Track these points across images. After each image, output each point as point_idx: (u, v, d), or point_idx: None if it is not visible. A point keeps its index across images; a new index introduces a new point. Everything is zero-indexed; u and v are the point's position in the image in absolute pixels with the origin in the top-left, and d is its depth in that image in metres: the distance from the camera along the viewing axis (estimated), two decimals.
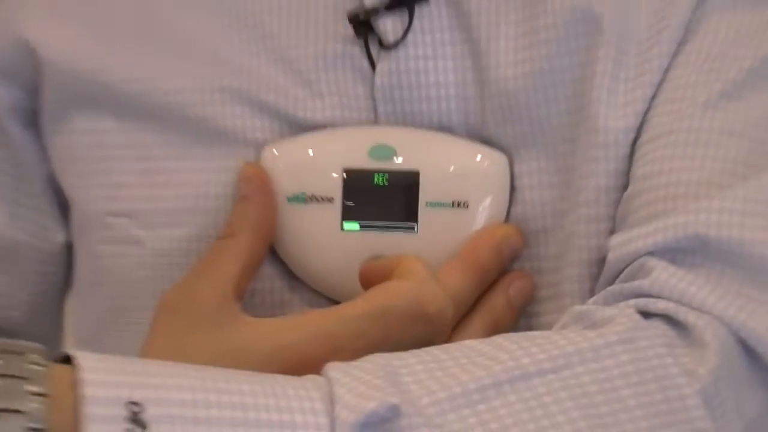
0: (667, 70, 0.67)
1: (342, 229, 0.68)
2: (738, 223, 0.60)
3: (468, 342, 0.58)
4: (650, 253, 0.62)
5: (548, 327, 0.66)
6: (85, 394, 0.48)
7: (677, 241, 0.61)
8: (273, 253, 0.69)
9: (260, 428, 0.51)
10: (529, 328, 0.68)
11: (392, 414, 0.52)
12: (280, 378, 0.54)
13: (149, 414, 0.48)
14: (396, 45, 0.68)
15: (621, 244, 0.63)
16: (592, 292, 0.65)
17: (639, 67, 0.67)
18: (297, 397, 0.52)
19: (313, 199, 0.68)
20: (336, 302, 0.66)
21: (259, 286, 0.69)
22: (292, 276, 0.70)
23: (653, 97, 0.66)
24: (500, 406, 0.54)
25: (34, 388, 0.48)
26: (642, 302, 0.60)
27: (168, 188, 0.70)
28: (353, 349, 0.61)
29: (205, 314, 0.64)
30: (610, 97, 0.66)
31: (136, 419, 0.48)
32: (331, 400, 0.52)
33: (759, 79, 0.65)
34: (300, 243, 0.69)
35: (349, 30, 0.68)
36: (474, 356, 0.56)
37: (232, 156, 0.69)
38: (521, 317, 0.68)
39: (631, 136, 0.66)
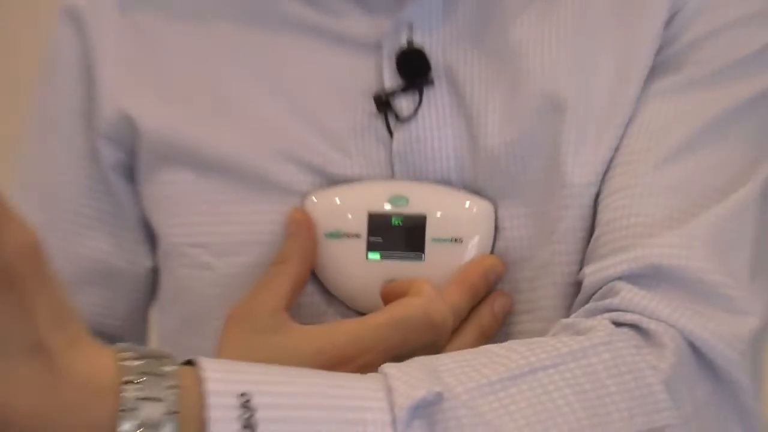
0: (621, 138, 0.70)
1: (367, 258, 0.71)
2: (684, 255, 0.64)
3: (488, 346, 0.62)
4: (618, 279, 0.65)
5: (523, 333, 0.71)
6: (207, 389, 0.53)
7: (638, 269, 0.65)
8: (314, 275, 0.72)
9: (337, 411, 0.54)
10: (508, 334, 0.71)
11: (437, 399, 0.56)
12: (347, 375, 0.58)
13: (256, 402, 0.53)
14: (409, 119, 0.71)
15: (594, 272, 0.67)
16: (566, 308, 0.69)
17: (598, 137, 0.70)
18: (362, 387, 0.56)
19: (345, 235, 0.71)
20: (362, 314, 0.70)
21: (302, 301, 0.72)
22: (328, 293, 0.73)
23: (611, 160, 0.69)
24: (516, 393, 0.58)
25: (170, 383, 0.52)
26: (614, 315, 0.64)
27: (233, 226, 0.73)
28: (377, 350, 0.65)
29: (263, 322, 0.68)
30: (575, 159, 0.69)
31: (245, 406, 0.52)
32: (389, 390, 0.56)
33: (694, 147, 0.69)
34: (335, 268, 0.72)
35: (373, 107, 0.72)
36: (493, 357, 0.60)
37: (283, 202, 0.72)
38: (503, 326, 0.71)
39: (593, 189, 0.69)
